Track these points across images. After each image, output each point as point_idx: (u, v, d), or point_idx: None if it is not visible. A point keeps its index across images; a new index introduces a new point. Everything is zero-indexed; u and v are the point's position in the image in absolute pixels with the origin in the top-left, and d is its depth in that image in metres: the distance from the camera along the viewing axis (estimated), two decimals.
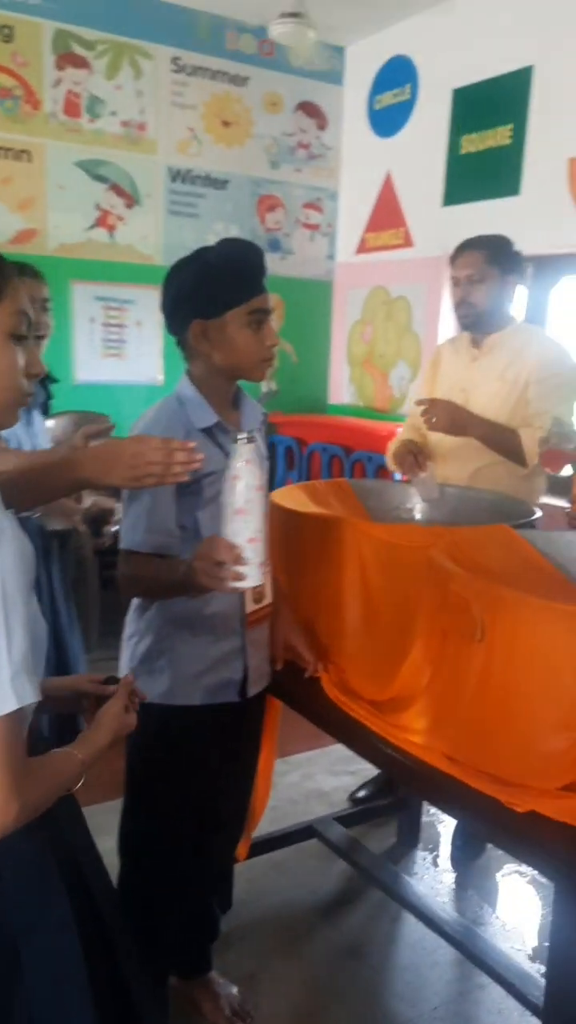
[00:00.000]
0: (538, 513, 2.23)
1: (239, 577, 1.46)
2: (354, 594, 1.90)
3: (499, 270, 2.55)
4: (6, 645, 0.95)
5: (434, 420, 2.46)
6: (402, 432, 2.85)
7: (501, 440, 2.48)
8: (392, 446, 2.73)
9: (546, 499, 2.53)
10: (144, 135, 5.39)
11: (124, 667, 1.82)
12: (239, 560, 1.44)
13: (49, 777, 1.08)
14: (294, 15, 4.53)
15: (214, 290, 1.67)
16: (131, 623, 1.84)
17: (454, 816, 1.66)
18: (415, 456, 2.52)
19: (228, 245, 1.74)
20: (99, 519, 2.61)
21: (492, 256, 2.56)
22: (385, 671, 1.75)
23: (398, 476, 2.72)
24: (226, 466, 1.46)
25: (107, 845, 1.66)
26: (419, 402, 2.54)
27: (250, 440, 1.44)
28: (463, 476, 2.57)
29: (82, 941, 1.13)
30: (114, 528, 2.60)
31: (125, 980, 1.20)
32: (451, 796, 1.54)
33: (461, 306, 2.60)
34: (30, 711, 1.06)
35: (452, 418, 2.47)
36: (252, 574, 1.48)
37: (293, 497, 2.22)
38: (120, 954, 1.21)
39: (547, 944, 1.65)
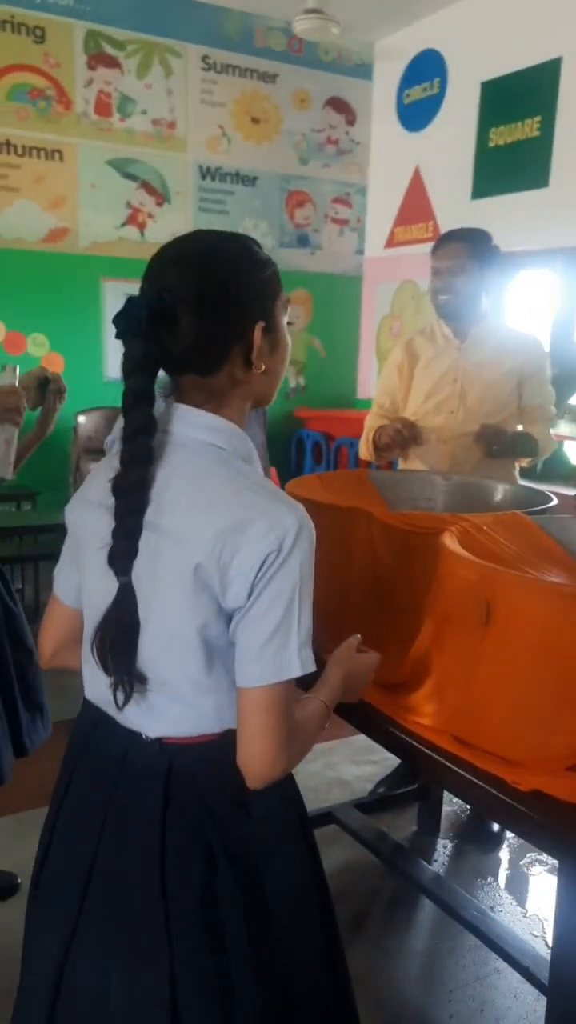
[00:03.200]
0: (554, 500, 2.24)
1: None
2: (365, 579, 1.92)
3: (478, 264, 2.62)
4: (297, 622, 1.07)
5: (495, 448, 2.57)
6: (373, 421, 2.85)
7: (523, 444, 2.60)
8: (373, 436, 2.77)
9: (557, 488, 2.59)
10: (174, 133, 5.46)
11: None
12: None
13: (308, 728, 1.18)
14: (316, 10, 4.57)
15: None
16: None
17: (460, 797, 1.67)
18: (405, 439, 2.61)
19: None
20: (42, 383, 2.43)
21: (472, 249, 2.62)
22: (395, 655, 1.77)
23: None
24: None
25: None
26: (484, 427, 2.60)
27: None
28: (443, 463, 2.66)
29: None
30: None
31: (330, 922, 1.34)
32: (458, 777, 1.56)
33: (440, 294, 2.66)
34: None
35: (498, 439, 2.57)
36: None
37: (308, 486, 2.25)
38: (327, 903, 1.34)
39: None
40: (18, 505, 5.03)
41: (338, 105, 5.95)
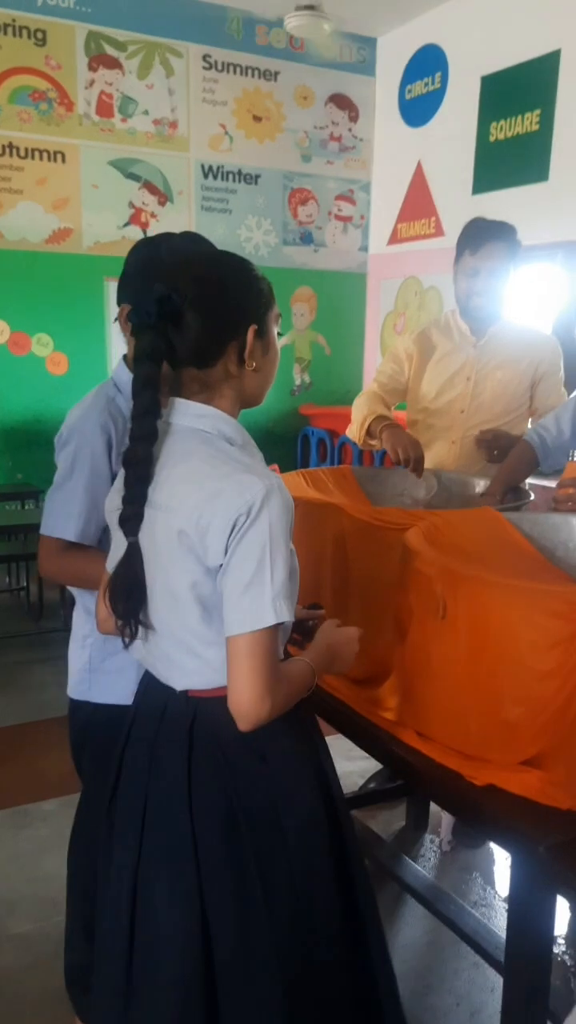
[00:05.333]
0: (531, 497, 2.24)
1: None
2: (337, 574, 1.94)
3: (513, 263, 2.53)
4: (270, 573, 1.20)
5: (496, 453, 2.49)
6: (368, 405, 2.70)
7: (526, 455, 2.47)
8: (371, 424, 2.62)
9: (535, 480, 2.53)
10: (176, 133, 5.49)
11: (77, 670, 1.78)
12: None
13: (292, 681, 1.30)
14: (309, 7, 4.57)
15: None
16: (84, 623, 1.77)
17: (420, 791, 1.69)
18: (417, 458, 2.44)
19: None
20: None
21: (510, 249, 2.50)
22: (364, 649, 1.79)
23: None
24: None
25: None
26: (484, 432, 2.53)
27: None
28: (450, 462, 2.62)
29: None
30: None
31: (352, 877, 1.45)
32: (419, 771, 1.57)
33: (476, 296, 2.56)
34: (288, 627, 1.37)
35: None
36: None
37: (292, 483, 2.27)
38: (353, 853, 1.46)
39: None
40: (22, 503, 5.08)
41: (340, 102, 5.95)
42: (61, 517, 1.64)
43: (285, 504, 1.23)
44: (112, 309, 5.49)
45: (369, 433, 2.64)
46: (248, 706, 1.22)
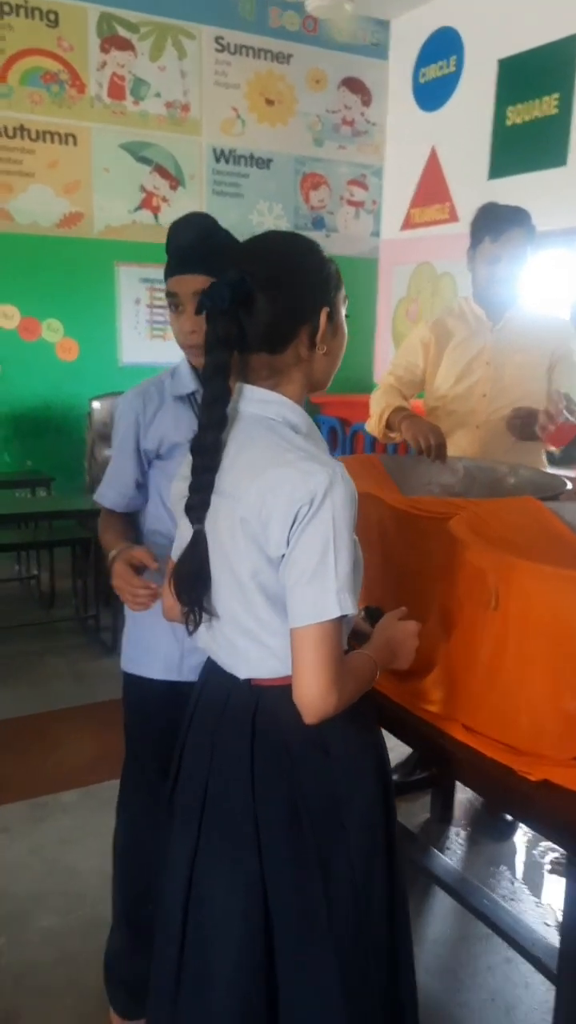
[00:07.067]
0: (568, 486, 2.20)
1: (146, 606, 1.57)
2: (375, 565, 1.90)
3: (530, 248, 2.54)
4: (334, 565, 1.17)
5: (531, 431, 2.46)
6: (385, 398, 2.66)
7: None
8: (389, 416, 2.60)
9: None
10: (188, 116, 5.42)
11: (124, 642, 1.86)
12: (153, 597, 1.55)
13: (357, 676, 1.28)
14: None
15: None
16: None
17: (469, 786, 1.66)
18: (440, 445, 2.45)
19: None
20: None
21: (529, 234, 2.53)
22: None
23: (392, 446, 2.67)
24: None
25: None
26: (517, 410, 2.51)
27: None
28: (474, 448, 2.58)
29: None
30: None
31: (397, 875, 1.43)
32: (467, 766, 1.54)
33: (498, 283, 2.55)
34: (351, 619, 1.34)
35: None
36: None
37: None
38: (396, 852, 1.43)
39: None
40: (33, 491, 5.03)
41: (353, 85, 5.87)
42: (101, 485, 1.82)
43: (349, 494, 1.20)
44: (123, 295, 5.44)
45: (388, 425, 2.63)
46: (313, 699, 1.20)
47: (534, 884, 2.55)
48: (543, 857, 2.67)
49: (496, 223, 2.52)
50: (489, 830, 2.76)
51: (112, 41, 5.13)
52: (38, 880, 2.50)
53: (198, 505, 1.26)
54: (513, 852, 2.69)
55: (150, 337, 5.56)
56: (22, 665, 4.03)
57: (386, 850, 1.38)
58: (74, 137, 5.13)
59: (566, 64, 4.56)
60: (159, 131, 5.35)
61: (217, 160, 5.55)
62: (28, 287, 5.15)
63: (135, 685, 1.83)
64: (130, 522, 1.82)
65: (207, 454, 1.25)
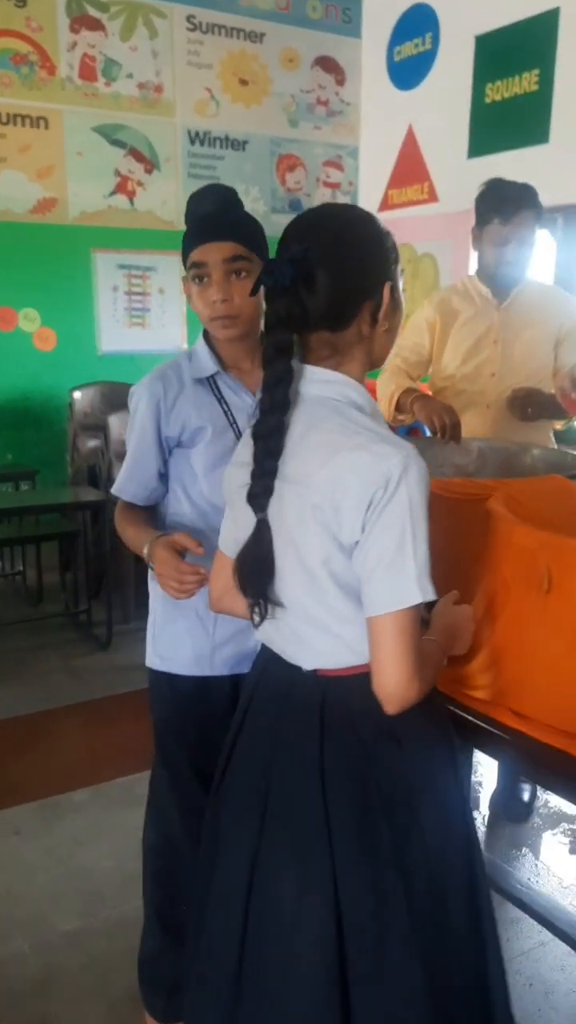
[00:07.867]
0: None
1: (192, 593, 1.51)
2: None
3: (538, 226, 2.50)
4: (412, 551, 1.13)
5: (530, 411, 2.46)
6: (394, 380, 2.61)
7: (557, 405, 2.45)
8: (399, 398, 2.55)
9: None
10: (161, 97, 5.31)
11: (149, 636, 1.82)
12: (200, 583, 1.48)
13: (432, 660, 1.26)
14: None
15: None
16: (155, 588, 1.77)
17: (523, 773, 1.63)
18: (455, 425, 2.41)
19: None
20: None
21: (539, 214, 2.48)
22: None
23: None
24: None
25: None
26: (516, 390, 2.49)
27: None
28: (484, 428, 2.55)
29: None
30: None
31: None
32: (519, 751, 1.50)
33: (507, 265, 2.51)
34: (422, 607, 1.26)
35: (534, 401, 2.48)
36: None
37: None
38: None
39: None
40: (16, 485, 4.93)
41: (327, 64, 5.79)
42: (120, 478, 1.73)
43: (423, 475, 1.15)
44: (99, 282, 5.33)
45: (399, 408, 2.58)
46: (396, 688, 1.16)
47: (557, 864, 2.54)
48: (564, 837, 2.66)
49: (505, 204, 2.45)
50: (507, 812, 2.75)
51: (82, 21, 5.00)
52: (54, 882, 2.45)
53: (261, 492, 1.21)
54: (534, 833, 2.68)
55: (129, 325, 5.46)
56: (15, 663, 3.95)
57: (464, 838, 1.34)
58: (46, 120, 5.00)
59: (546, 40, 4.52)
60: (132, 113, 5.23)
61: (192, 142, 5.44)
62: (3, 276, 5.02)
63: (164, 682, 1.77)
64: (151, 514, 1.76)
65: (271, 438, 1.19)
